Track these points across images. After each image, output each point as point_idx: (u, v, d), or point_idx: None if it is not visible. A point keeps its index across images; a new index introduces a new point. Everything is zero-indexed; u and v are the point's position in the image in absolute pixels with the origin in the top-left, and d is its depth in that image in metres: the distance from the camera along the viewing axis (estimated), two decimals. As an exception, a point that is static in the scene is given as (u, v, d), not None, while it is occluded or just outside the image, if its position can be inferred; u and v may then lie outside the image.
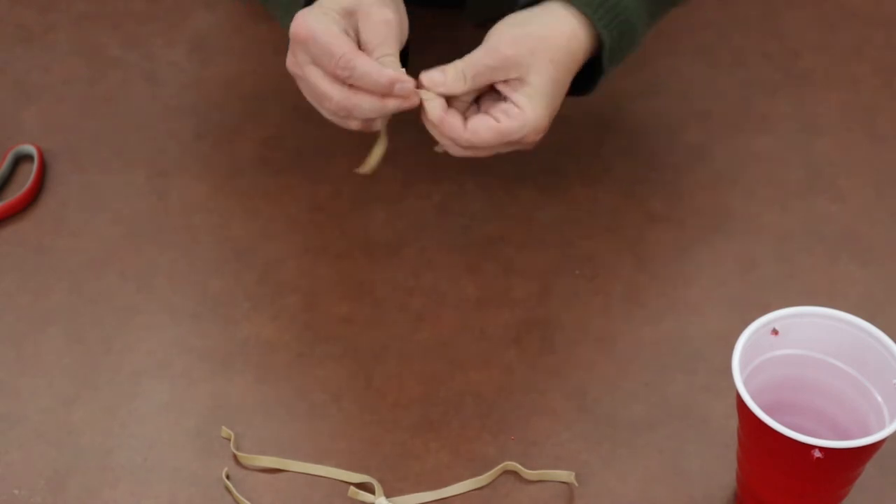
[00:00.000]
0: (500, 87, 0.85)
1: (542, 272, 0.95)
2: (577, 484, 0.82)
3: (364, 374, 0.89)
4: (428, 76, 0.84)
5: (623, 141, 1.05)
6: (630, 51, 0.89)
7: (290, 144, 1.05)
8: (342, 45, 0.81)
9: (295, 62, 0.84)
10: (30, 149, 1.03)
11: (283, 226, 0.98)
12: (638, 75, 1.11)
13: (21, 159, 1.04)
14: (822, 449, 0.70)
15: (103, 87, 1.11)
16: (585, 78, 0.92)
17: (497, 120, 0.83)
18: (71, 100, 1.09)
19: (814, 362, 0.79)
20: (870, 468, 0.83)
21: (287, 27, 0.88)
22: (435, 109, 0.83)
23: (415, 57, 1.12)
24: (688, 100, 1.09)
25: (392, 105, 0.82)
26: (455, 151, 0.86)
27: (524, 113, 0.83)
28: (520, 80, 0.84)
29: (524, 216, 0.99)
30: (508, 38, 0.83)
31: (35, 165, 1.02)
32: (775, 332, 0.78)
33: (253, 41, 1.14)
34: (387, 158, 1.04)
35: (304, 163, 1.03)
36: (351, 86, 0.82)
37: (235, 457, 0.84)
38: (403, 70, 0.83)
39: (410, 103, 0.83)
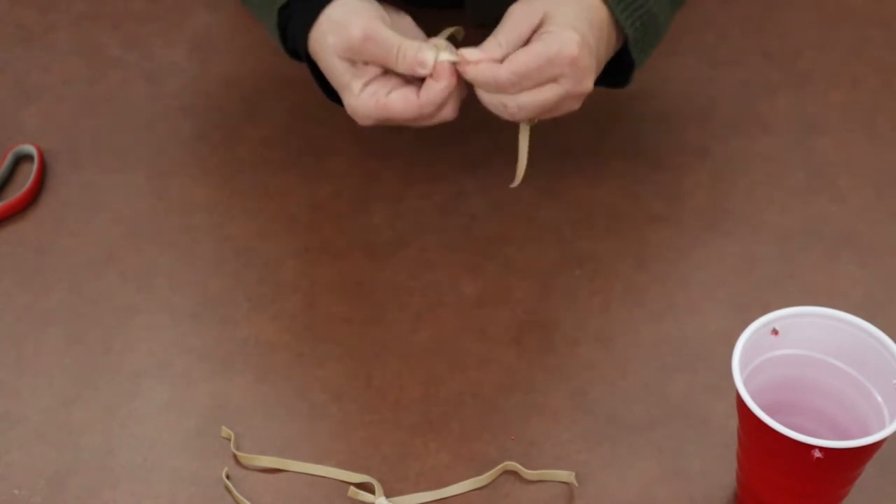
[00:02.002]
0: (532, 39, 0.84)
1: (542, 272, 0.95)
2: (577, 484, 0.82)
3: (364, 374, 0.89)
4: (464, 51, 0.84)
5: (623, 141, 1.05)
6: (657, 40, 0.90)
7: (290, 144, 1.05)
8: (397, 110, 0.84)
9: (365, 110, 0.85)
10: (30, 149, 1.03)
11: (282, 226, 0.98)
12: (638, 75, 1.11)
13: (21, 159, 1.04)
14: (822, 449, 0.70)
15: (103, 87, 1.11)
16: (619, 72, 0.93)
17: (530, 43, 0.83)
18: (71, 100, 1.09)
19: (814, 362, 0.79)
20: (870, 468, 0.83)
21: (273, 33, 0.89)
22: (472, 52, 0.83)
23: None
24: (688, 100, 1.09)
25: (439, 86, 0.83)
26: (509, 111, 0.84)
27: (553, 33, 0.82)
28: (541, 22, 0.84)
29: (524, 216, 0.99)
30: (524, 4, 0.84)
31: (35, 165, 1.02)
32: (775, 332, 0.78)
33: (253, 41, 1.14)
34: (387, 159, 1.04)
35: (304, 163, 1.03)
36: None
37: (235, 457, 0.84)
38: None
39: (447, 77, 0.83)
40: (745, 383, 0.75)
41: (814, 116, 1.08)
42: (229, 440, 0.85)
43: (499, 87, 0.84)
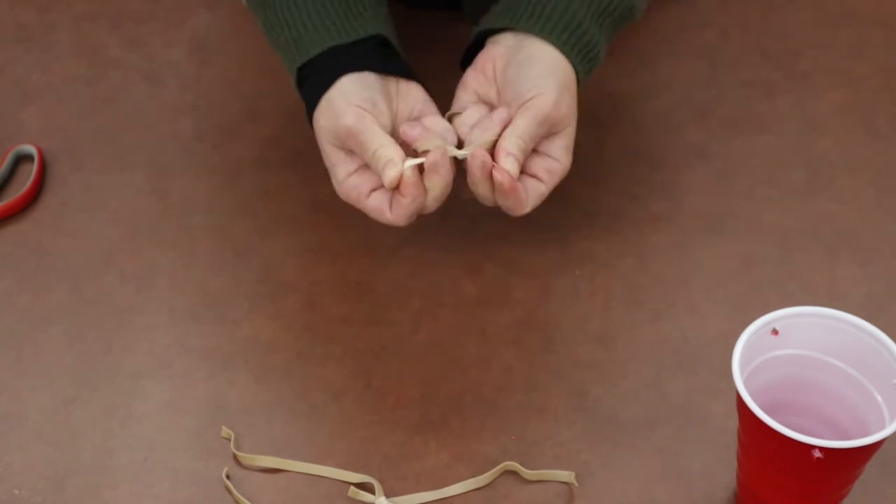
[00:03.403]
0: (540, 145, 0.88)
1: (542, 272, 0.95)
2: (577, 484, 0.82)
3: (364, 374, 0.89)
4: (507, 165, 0.85)
5: (623, 141, 1.05)
6: (590, 76, 0.93)
7: (290, 144, 1.05)
8: (371, 211, 0.87)
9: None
10: (30, 149, 1.03)
11: (283, 226, 0.98)
12: (638, 75, 1.11)
13: (21, 159, 1.04)
14: (822, 449, 0.70)
15: (103, 87, 1.11)
16: None
17: (543, 181, 0.88)
18: (71, 100, 1.09)
19: (814, 362, 0.79)
20: (870, 468, 0.83)
21: (291, 71, 0.91)
22: (513, 177, 0.85)
23: (414, 57, 1.12)
24: (688, 100, 1.09)
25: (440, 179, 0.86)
26: (490, 203, 0.88)
27: (563, 167, 0.88)
28: (556, 134, 0.88)
29: (524, 216, 0.99)
30: (553, 101, 0.86)
31: (35, 165, 1.02)
32: (775, 332, 0.78)
33: (253, 41, 1.14)
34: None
35: (304, 163, 1.03)
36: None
37: (235, 457, 0.84)
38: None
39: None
40: (745, 383, 0.75)
41: (814, 116, 1.08)
42: (229, 440, 0.85)
43: (500, 200, 0.88)
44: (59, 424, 0.86)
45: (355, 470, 0.83)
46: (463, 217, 0.99)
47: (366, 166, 0.87)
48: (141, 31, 1.16)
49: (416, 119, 0.88)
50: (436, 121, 0.88)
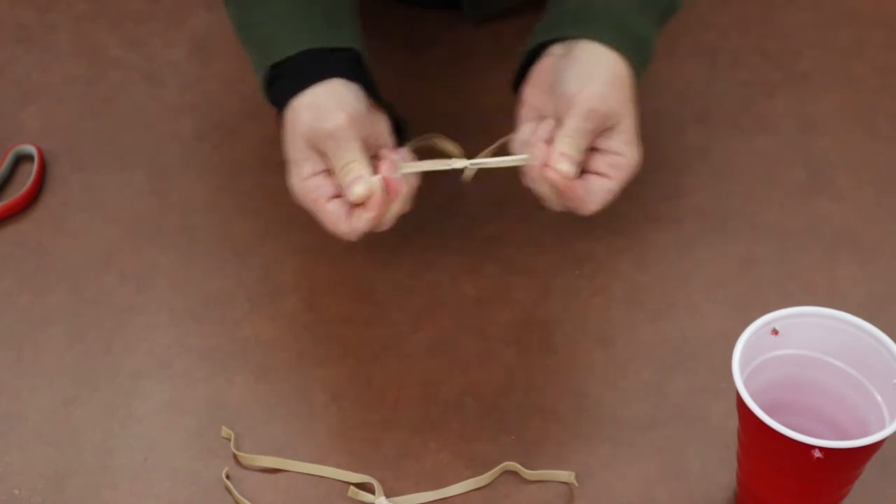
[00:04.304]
0: (599, 143, 0.86)
1: (542, 272, 0.95)
2: (577, 484, 0.82)
3: (364, 374, 0.89)
4: (564, 170, 0.84)
5: (623, 141, 1.05)
6: (646, 68, 0.91)
7: (290, 144, 1.05)
8: (326, 218, 0.86)
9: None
10: (30, 149, 1.03)
11: (283, 226, 0.98)
12: (638, 75, 1.11)
13: (21, 159, 1.04)
14: (822, 449, 0.70)
15: (103, 87, 1.11)
16: None
17: (609, 177, 0.86)
18: (71, 100, 1.09)
19: (814, 362, 0.79)
20: (870, 468, 0.83)
21: (263, 84, 0.90)
22: (565, 176, 0.84)
23: (414, 58, 1.12)
24: (688, 100, 1.09)
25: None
26: (558, 207, 0.87)
27: (630, 160, 0.86)
28: (612, 129, 0.86)
29: (524, 216, 0.99)
30: (597, 96, 0.85)
31: (35, 165, 1.02)
32: (775, 332, 0.78)
33: (253, 41, 1.14)
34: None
35: (304, 163, 1.03)
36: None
37: (235, 457, 0.84)
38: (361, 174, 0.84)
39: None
40: (745, 383, 0.75)
41: (814, 116, 1.08)
42: (229, 440, 0.85)
43: (569, 204, 0.87)
44: (59, 424, 0.86)
45: (355, 470, 0.83)
46: (463, 217, 0.99)
47: (329, 171, 0.86)
48: (141, 31, 1.16)
49: (377, 150, 0.87)
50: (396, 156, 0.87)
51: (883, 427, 0.74)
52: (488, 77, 1.10)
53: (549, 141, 0.85)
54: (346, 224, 0.85)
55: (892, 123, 1.07)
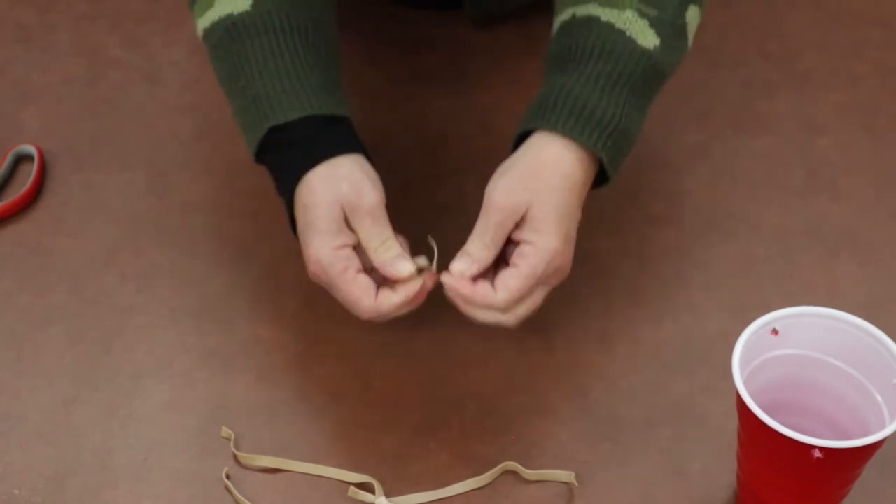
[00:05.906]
0: (513, 235, 0.83)
1: (542, 272, 0.95)
2: (577, 484, 0.82)
3: (364, 375, 0.89)
4: (456, 269, 0.83)
5: (623, 141, 1.05)
6: (631, 148, 0.87)
7: (290, 144, 1.05)
8: (353, 290, 0.82)
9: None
10: (30, 149, 1.04)
11: (283, 226, 0.98)
12: (638, 75, 1.11)
13: (21, 159, 1.04)
14: (822, 449, 0.70)
15: (103, 87, 1.11)
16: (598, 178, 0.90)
17: (516, 265, 0.82)
18: (71, 100, 1.09)
19: (814, 362, 0.79)
20: (870, 468, 0.83)
21: (252, 149, 0.87)
22: (464, 286, 0.82)
23: (414, 58, 1.12)
24: (688, 100, 1.09)
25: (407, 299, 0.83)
26: (507, 324, 0.84)
27: (538, 247, 0.82)
28: (524, 220, 0.83)
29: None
30: (501, 189, 0.83)
31: (35, 165, 1.02)
32: (775, 332, 0.78)
33: (253, 41, 1.14)
34: (387, 160, 1.04)
35: (304, 163, 1.03)
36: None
37: (235, 457, 0.84)
38: (402, 255, 0.83)
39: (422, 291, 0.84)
40: (746, 383, 0.75)
41: (814, 116, 1.08)
42: (229, 440, 0.85)
43: (499, 312, 0.83)
44: (59, 424, 0.86)
45: (355, 470, 0.83)
46: (463, 217, 0.99)
47: (356, 246, 0.83)
48: (141, 31, 1.16)
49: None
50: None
51: (883, 427, 0.74)
52: (488, 77, 1.10)
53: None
54: (371, 300, 0.82)
55: (892, 123, 1.07)
